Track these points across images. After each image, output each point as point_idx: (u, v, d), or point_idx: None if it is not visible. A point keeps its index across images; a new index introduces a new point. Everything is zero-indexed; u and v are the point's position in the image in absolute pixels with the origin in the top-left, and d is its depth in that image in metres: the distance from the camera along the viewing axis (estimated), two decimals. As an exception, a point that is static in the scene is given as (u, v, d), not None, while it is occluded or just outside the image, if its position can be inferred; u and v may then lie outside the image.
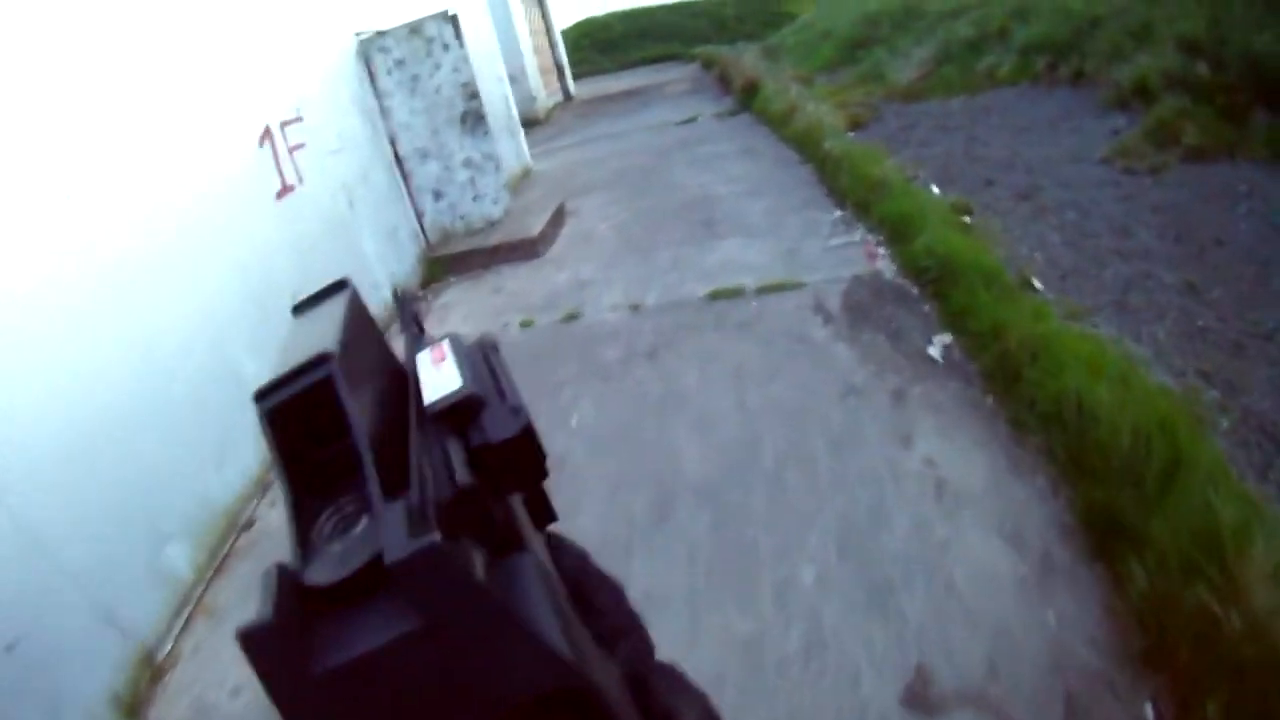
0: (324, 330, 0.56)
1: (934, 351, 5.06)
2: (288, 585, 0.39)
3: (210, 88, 5.70)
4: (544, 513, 0.70)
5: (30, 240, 3.94)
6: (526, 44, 21.40)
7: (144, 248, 4.66)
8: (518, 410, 0.56)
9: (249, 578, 4.36)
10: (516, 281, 8.17)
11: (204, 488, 4.66)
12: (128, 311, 4.42)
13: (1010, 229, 6.79)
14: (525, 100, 20.27)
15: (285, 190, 6.48)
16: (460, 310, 7.76)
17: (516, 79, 19.47)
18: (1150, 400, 3.76)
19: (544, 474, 0.58)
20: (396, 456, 0.50)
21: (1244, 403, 4.21)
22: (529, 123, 19.45)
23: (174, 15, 5.49)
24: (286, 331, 0.62)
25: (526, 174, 13.65)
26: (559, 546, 0.73)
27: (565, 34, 29.78)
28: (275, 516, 4.83)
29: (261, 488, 5.15)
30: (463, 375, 0.57)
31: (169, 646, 4.08)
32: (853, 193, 7.99)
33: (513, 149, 13.31)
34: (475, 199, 9.22)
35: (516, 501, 0.62)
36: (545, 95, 22.98)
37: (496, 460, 0.53)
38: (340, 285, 0.66)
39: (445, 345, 0.63)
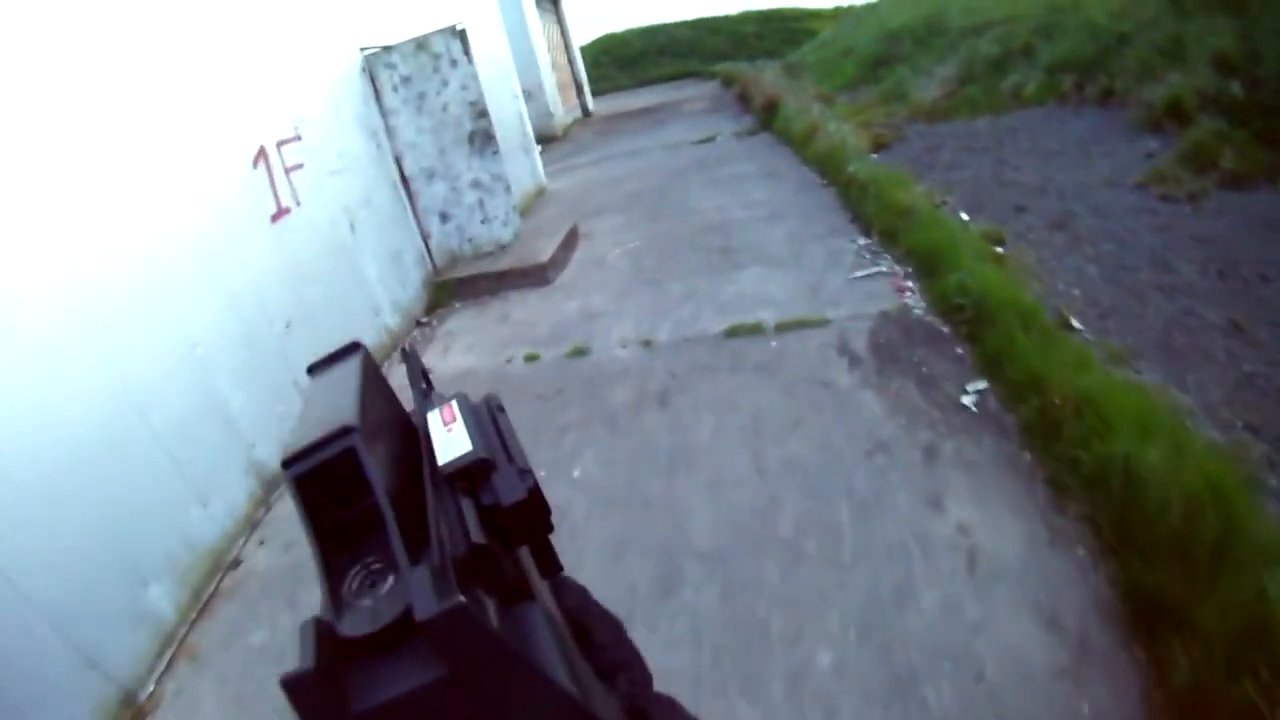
0: (342, 394, 0.61)
1: (968, 401, 4.67)
2: (325, 636, 0.45)
3: (199, 105, 5.42)
4: (549, 561, 0.73)
5: (-1, 266, 3.75)
6: (544, 60, 21.18)
7: (123, 275, 4.44)
8: (525, 473, 0.63)
9: (233, 620, 4.25)
10: (524, 309, 7.83)
11: (187, 525, 4.48)
12: (104, 341, 4.21)
13: (1045, 261, 6.41)
14: (543, 116, 20.26)
15: (281, 213, 6.17)
16: (465, 339, 7.42)
17: (534, 95, 19.40)
18: (1200, 463, 3.39)
19: (549, 528, 0.65)
20: (413, 513, 0.55)
21: (1295, 458, 3.83)
22: (546, 139, 19.50)
23: (158, 29, 5.21)
24: (305, 390, 0.68)
25: (541, 193, 13.41)
26: (561, 584, 0.80)
27: (584, 50, 29.90)
28: (263, 557, 4.69)
29: (249, 525, 4.95)
30: (473, 438, 0.64)
31: (150, 689, 3.94)
32: (879, 220, 7.60)
33: (527, 167, 13.07)
34: (484, 221, 8.88)
35: (524, 552, 0.67)
36: (563, 112, 22.78)
37: (506, 519, 0.60)
38: (354, 347, 0.71)
39: (454, 406, 0.68)
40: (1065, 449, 3.89)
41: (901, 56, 16.93)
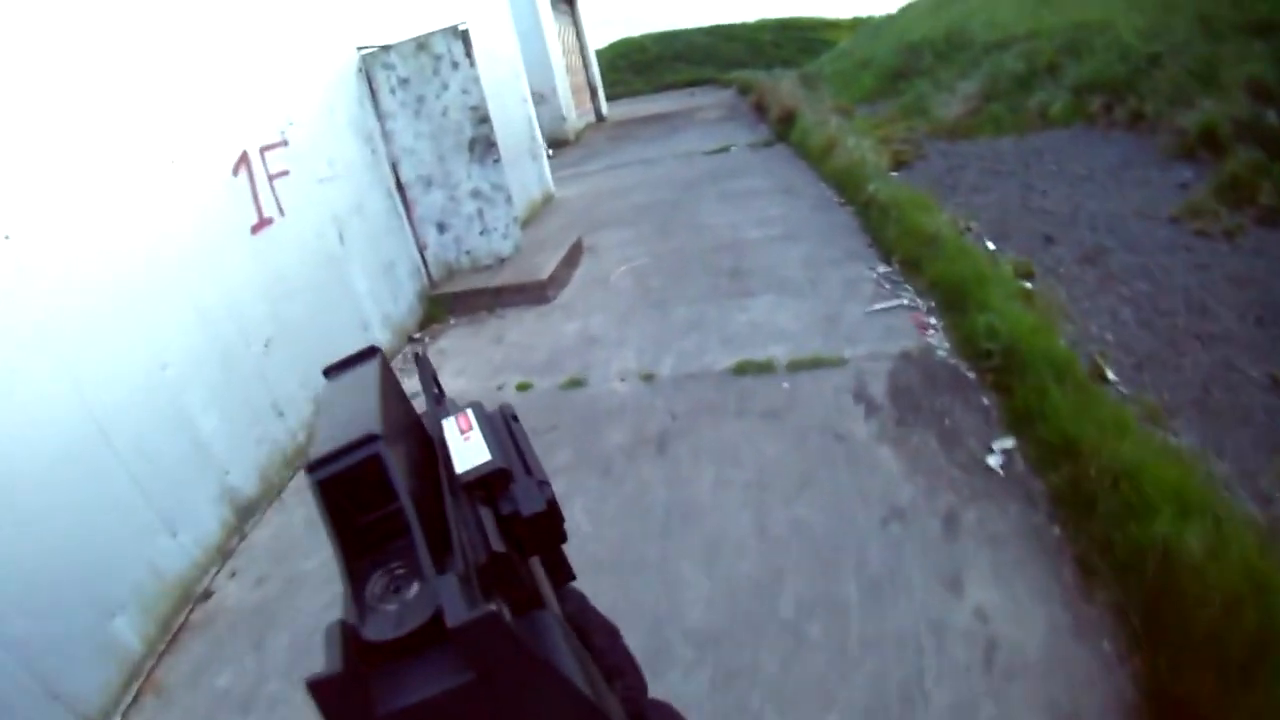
0: (364, 400, 0.62)
1: (994, 461, 4.24)
2: (351, 639, 0.46)
3: (174, 107, 5.03)
4: (562, 571, 0.77)
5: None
6: (559, 63, 20.88)
7: (87, 290, 4.15)
8: (544, 484, 0.66)
9: (201, 658, 4.00)
10: (521, 330, 7.42)
11: (155, 555, 4.26)
12: (66, 361, 3.95)
13: (1076, 299, 5.98)
14: (555, 120, 20.17)
15: (262, 224, 5.77)
16: (457, 360, 7.01)
17: (547, 98, 19.25)
18: (1240, 551, 3.03)
19: (563, 538, 0.68)
20: (434, 518, 0.56)
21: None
22: (559, 143, 19.50)
23: (129, 22, 4.80)
24: (322, 392, 0.69)
25: (549, 201, 13.08)
26: (561, 592, 0.79)
27: (600, 54, 29.83)
28: (233, 590, 4.43)
29: (222, 555, 4.68)
30: (491, 448, 0.66)
31: (116, 723, 3.76)
32: (900, 246, 7.17)
33: (535, 174, 12.72)
34: (483, 233, 8.46)
35: (534, 560, 0.69)
36: (576, 116, 22.49)
37: (523, 529, 0.63)
38: (371, 351, 0.73)
39: (470, 415, 0.72)
40: (1098, 526, 3.52)
41: (922, 70, 16.57)
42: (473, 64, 7.80)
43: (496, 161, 8.18)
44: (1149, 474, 3.49)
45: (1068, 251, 6.94)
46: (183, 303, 4.80)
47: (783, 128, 15.09)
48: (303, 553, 4.53)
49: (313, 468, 0.53)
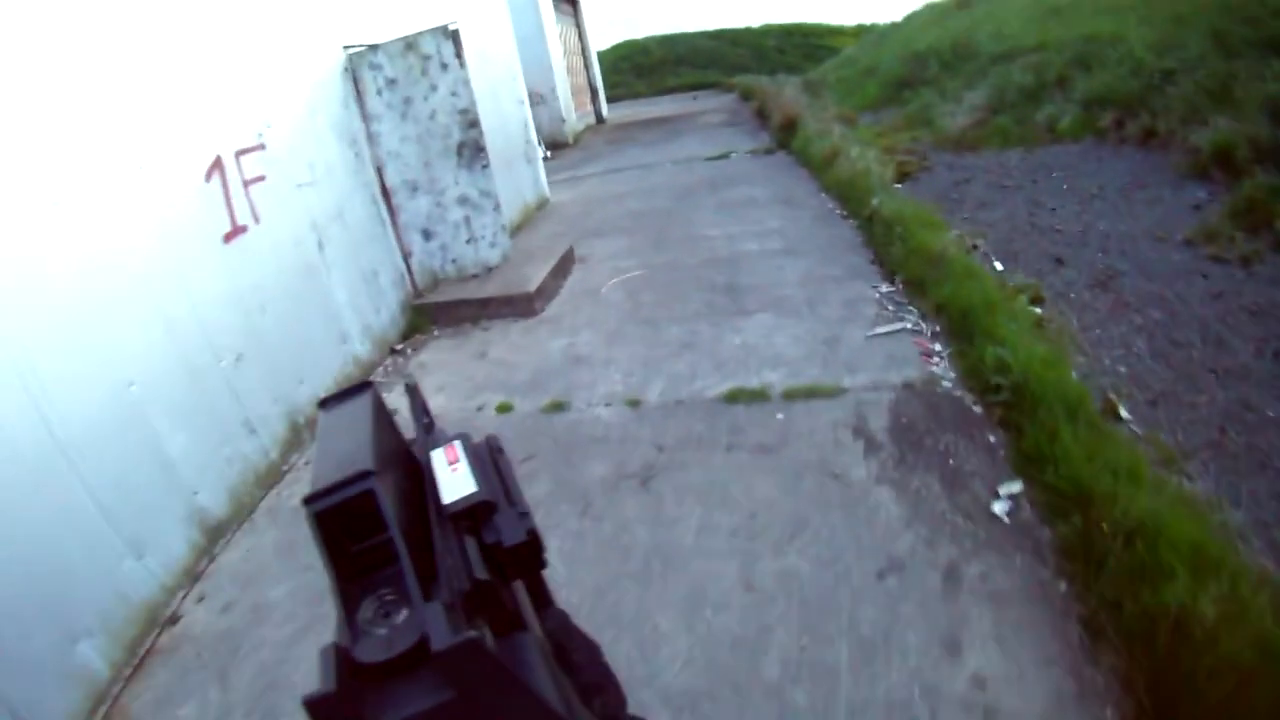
0: (358, 434, 0.67)
1: (999, 508, 3.94)
2: (344, 661, 0.50)
3: (143, 109, 4.77)
4: (541, 596, 0.82)
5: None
6: (559, 64, 20.71)
7: (44, 304, 3.96)
8: (525, 515, 0.70)
9: (166, 685, 3.84)
10: (505, 345, 7.12)
11: (121, 579, 4.11)
12: (24, 378, 3.78)
13: (1088, 327, 5.70)
14: (554, 121, 20.20)
15: (236, 232, 5.49)
16: (437, 375, 6.70)
17: (546, 99, 19.21)
18: (1259, 614, 2.80)
19: (544, 565, 0.72)
20: (421, 547, 0.61)
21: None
22: (557, 145, 19.60)
23: (94, 20, 4.54)
24: (319, 426, 0.73)
25: (543, 205, 12.86)
26: (544, 610, 0.86)
27: (603, 56, 29.86)
28: (201, 616, 4.24)
29: (190, 578, 4.50)
30: (476, 479, 0.70)
31: (81, 750, 3.66)
32: (905, 265, 6.87)
33: (530, 178, 12.49)
34: (470, 241, 8.15)
35: (518, 584, 0.74)
36: (576, 117, 22.33)
37: (506, 557, 0.67)
38: (365, 386, 0.78)
39: (458, 447, 0.75)
40: (1108, 585, 3.24)
41: (927, 79, 16.34)
42: (463, 65, 7.50)
43: (485, 167, 7.88)
44: (1164, 530, 3.24)
45: (1078, 274, 6.66)
46: (149, 317, 4.58)
47: (784, 135, 14.86)
48: (271, 579, 4.36)
49: (309, 500, 0.58)
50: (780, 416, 5.02)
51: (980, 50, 15.54)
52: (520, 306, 7.66)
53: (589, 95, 25.29)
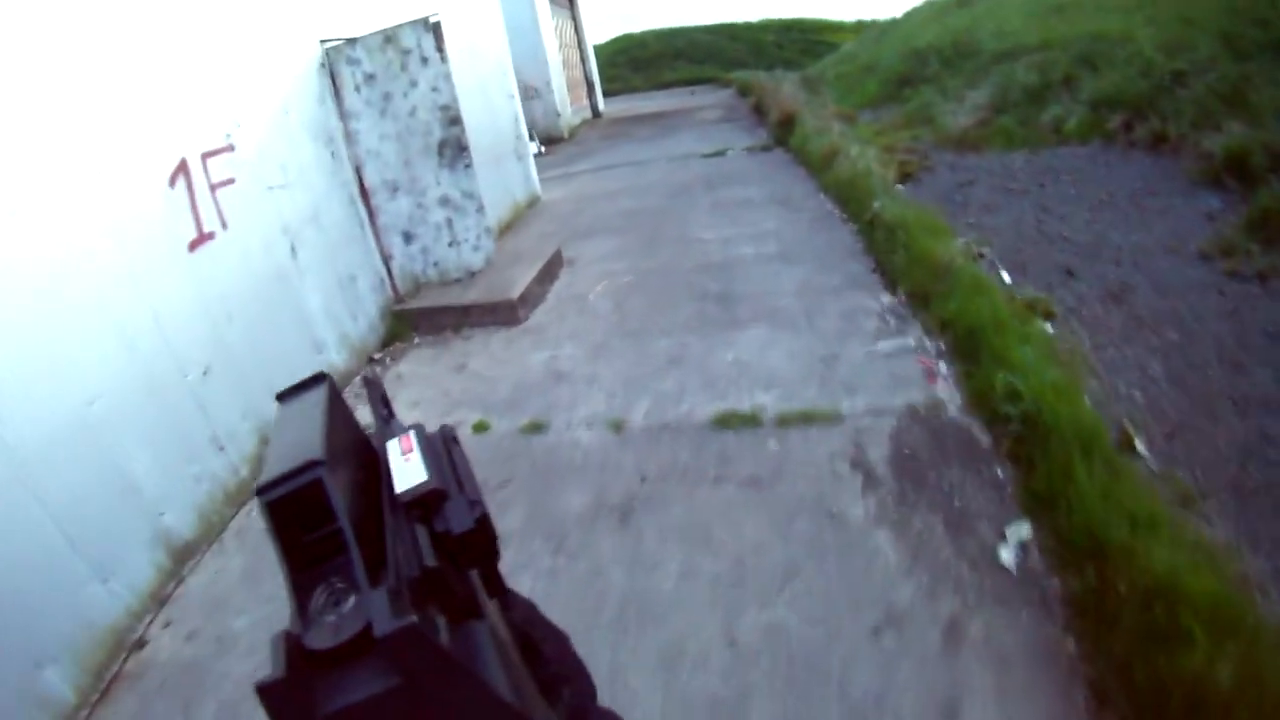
0: (309, 425, 0.66)
1: (1006, 555, 3.62)
2: (294, 648, 0.50)
3: (101, 110, 4.53)
4: (495, 585, 0.78)
5: None
6: (554, 57, 20.50)
7: None
8: (475, 504, 0.69)
9: (136, 711, 3.75)
10: (486, 356, 6.80)
11: (85, 604, 4.01)
12: None
13: (1101, 346, 5.35)
14: (549, 116, 20.13)
15: (201, 239, 5.24)
16: (413, 389, 6.39)
17: (541, 94, 19.18)
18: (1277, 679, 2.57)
19: (497, 555, 0.74)
20: (373, 535, 0.62)
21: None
22: (552, 140, 19.64)
23: (49, 16, 4.30)
24: (275, 417, 0.73)
25: (533, 203, 12.57)
26: (509, 599, 0.86)
27: (600, 49, 29.81)
28: (166, 643, 4.11)
29: (157, 602, 4.36)
30: (428, 468, 0.70)
31: (49, 775, 3.62)
32: (908, 275, 6.52)
33: (520, 175, 12.19)
34: (452, 244, 7.82)
35: (474, 573, 0.72)
36: (572, 112, 22.12)
37: (457, 545, 0.66)
38: (320, 378, 0.77)
39: (412, 436, 0.75)
40: (1120, 644, 2.96)
41: (928, 77, 15.96)
42: (444, 60, 7.18)
43: (468, 167, 7.55)
44: (1182, 588, 2.95)
45: (1090, 288, 6.31)
46: (109, 331, 4.39)
47: (782, 132, 14.55)
48: (236, 608, 4.21)
49: (261, 490, 0.58)
50: (773, 445, 4.69)
51: (982, 48, 15.16)
52: (503, 314, 7.34)
53: (585, 89, 25.02)
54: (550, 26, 20.55)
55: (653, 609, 3.64)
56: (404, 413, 5.17)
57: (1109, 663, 2.94)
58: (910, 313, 6.13)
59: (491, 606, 0.74)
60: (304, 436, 0.63)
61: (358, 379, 6.54)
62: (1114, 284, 6.25)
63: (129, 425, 4.40)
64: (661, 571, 3.87)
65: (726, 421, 5.00)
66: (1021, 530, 3.75)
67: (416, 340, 7.48)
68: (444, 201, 7.63)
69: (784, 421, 4.89)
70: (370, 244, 7.56)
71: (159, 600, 4.38)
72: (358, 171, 7.41)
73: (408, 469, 0.70)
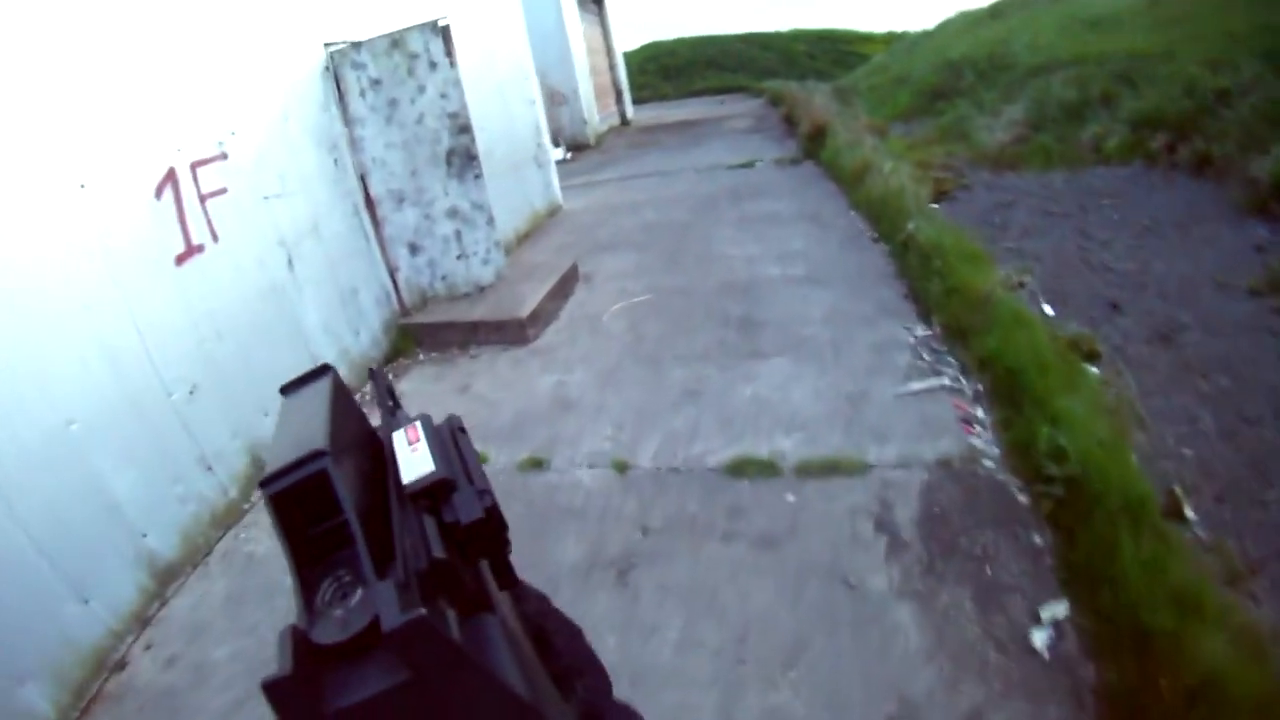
0: (314, 416, 0.67)
1: (1039, 639, 3.23)
2: (300, 643, 0.50)
3: (84, 121, 4.35)
4: (506, 575, 0.79)
5: None
6: (582, 63, 20.27)
7: None
8: (484, 493, 0.70)
9: None
10: (491, 378, 6.46)
11: (65, 623, 3.95)
12: None
13: (1148, 392, 4.94)
14: (576, 122, 19.94)
15: (190, 252, 5.03)
16: (412, 410, 5.86)
17: (568, 100, 19.12)
18: None
19: (507, 544, 0.75)
20: (380, 527, 0.62)
21: None
22: (578, 146, 19.56)
23: (27, 17, 4.12)
24: (279, 410, 0.75)
25: (554, 212, 12.24)
26: (521, 592, 0.88)
27: (630, 56, 29.77)
28: (146, 667, 4.01)
29: (139, 623, 4.28)
30: (435, 459, 0.70)
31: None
32: (944, 306, 6.10)
33: (540, 183, 11.85)
34: (460, 257, 7.47)
35: (483, 565, 0.74)
36: (599, 119, 21.88)
37: (466, 536, 0.67)
38: (324, 369, 0.79)
39: (418, 427, 0.76)
40: None
41: (962, 90, 15.56)
42: (453, 65, 6.83)
43: (478, 177, 7.20)
44: (1232, 688, 2.65)
45: (1136, 324, 5.89)
46: (90, 350, 4.26)
47: (813, 144, 14.10)
48: (215, 637, 4.08)
49: (265, 483, 0.58)
50: (790, 498, 4.29)
51: (1017, 61, 14.76)
52: (511, 333, 7.00)
53: (613, 96, 24.70)
54: (578, 31, 20.24)
55: (646, 681, 3.28)
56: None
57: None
58: (946, 348, 5.71)
59: (503, 599, 0.75)
60: (308, 428, 0.63)
61: (360, 395, 6.26)
62: (1162, 321, 5.85)
63: (110, 445, 4.28)
64: (659, 639, 3.51)
65: (741, 468, 4.60)
66: (1057, 610, 3.37)
67: (421, 357, 7.18)
68: (452, 213, 7.29)
69: (804, 471, 4.49)
70: (375, 256, 7.25)
71: (141, 621, 4.30)
72: (362, 180, 7.09)
73: (415, 459, 0.70)
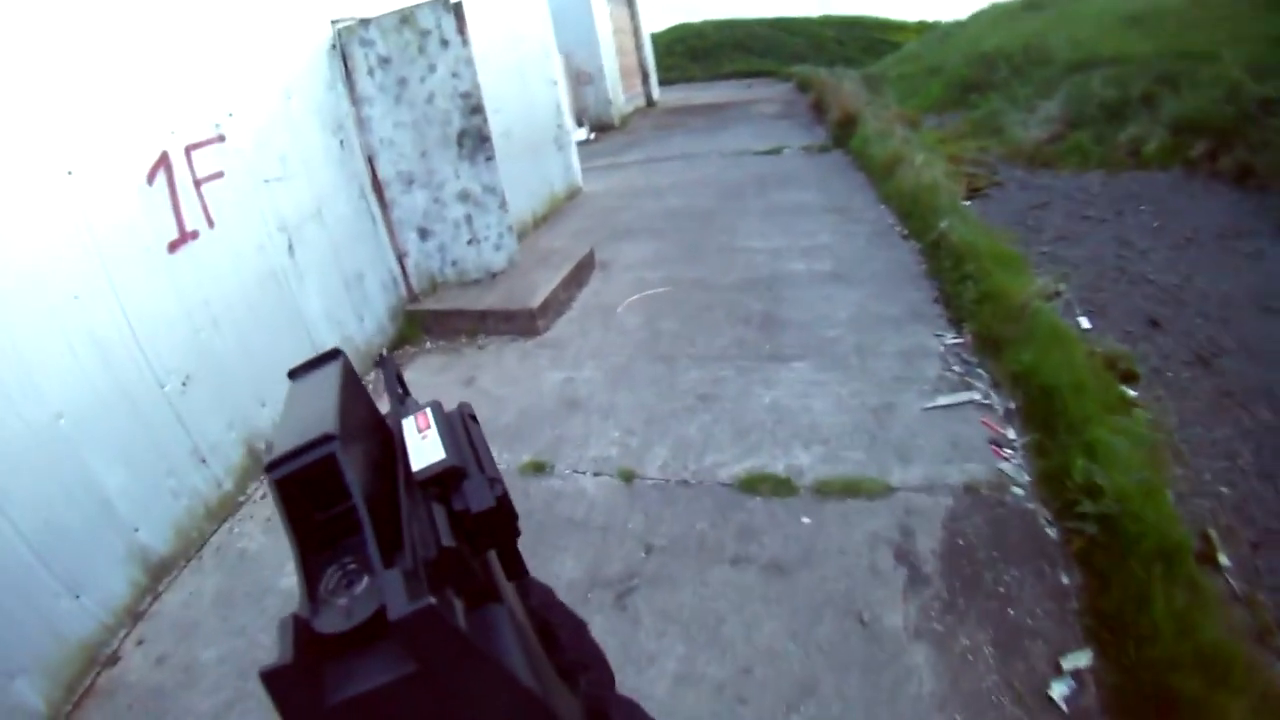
0: (323, 400, 0.65)
1: (1058, 690, 3.00)
2: (302, 632, 0.48)
3: (71, 105, 4.17)
4: (515, 566, 0.77)
5: None
6: (608, 44, 20.10)
7: None
8: (495, 482, 0.68)
9: None
10: (497, 371, 6.23)
11: (57, 618, 3.90)
12: None
13: (1187, 422, 4.67)
14: (601, 103, 19.77)
15: (183, 239, 4.85)
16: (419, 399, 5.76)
17: (594, 80, 19.27)
18: None
19: (517, 534, 0.72)
20: (388, 515, 0.59)
21: None
22: (603, 127, 19.39)
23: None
24: (286, 394, 0.71)
25: (573, 195, 11.98)
26: (526, 585, 0.84)
27: (657, 38, 29.61)
28: (137, 662, 3.95)
29: (131, 617, 4.22)
30: (445, 446, 0.69)
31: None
32: (976, 314, 5.80)
33: (560, 166, 11.59)
34: (471, 242, 7.23)
35: (491, 555, 0.72)
36: (624, 99, 21.69)
37: (475, 524, 0.65)
38: (334, 354, 0.75)
39: (429, 414, 0.73)
40: None
41: (995, 83, 15.21)
42: (465, 43, 6.56)
43: (490, 159, 6.93)
44: None
45: (1175, 343, 5.61)
46: (79, 341, 4.13)
47: (842, 132, 13.82)
48: (205, 636, 4.00)
49: (270, 467, 0.56)
50: (806, 520, 4.02)
51: (1054, 56, 14.40)
52: (521, 324, 6.77)
53: (639, 77, 24.37)
54: (604, 11, 19.95)
55: (639, 718, 2.99)
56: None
57: None
58: (976, 359, 5.40)
59: (511, 590, 0.73)
60: (317, 412, 0.61)
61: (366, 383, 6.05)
62: (1202, 343, 5.58)
63: (101, 438, 4.18)
64: (657, 670, 3.30)
65: (755, 485, 4.33)
66: (1080, 660, 3.14)
67: (428, 345, 6.97)
68: (463, 196, 7.05)
69: (822, 490, 4.22)
70: (382, 240, 7.03)
71: (134, 616, 4.24)
72: (370, 162, 6.84)
73: (425, 447, 0.68)
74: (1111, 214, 8.48)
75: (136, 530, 4.33)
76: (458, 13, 6.44)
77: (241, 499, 5.02)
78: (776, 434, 4.80)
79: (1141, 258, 7.18)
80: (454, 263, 7.34)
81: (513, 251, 7.43)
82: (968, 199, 9.40)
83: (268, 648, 3.46)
